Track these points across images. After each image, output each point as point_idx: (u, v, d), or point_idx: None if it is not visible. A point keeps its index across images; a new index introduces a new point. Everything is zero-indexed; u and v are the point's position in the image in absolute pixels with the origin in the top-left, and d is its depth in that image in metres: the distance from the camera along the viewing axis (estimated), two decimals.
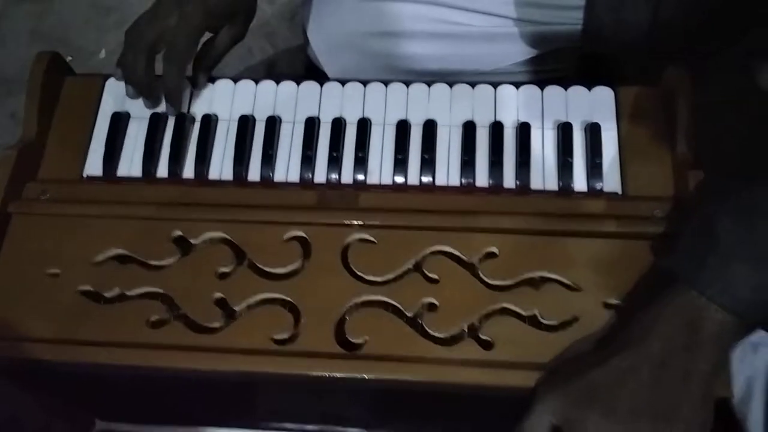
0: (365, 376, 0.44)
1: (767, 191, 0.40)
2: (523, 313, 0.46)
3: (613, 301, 0.46)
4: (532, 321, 0.46)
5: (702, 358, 0.39)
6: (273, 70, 0.59)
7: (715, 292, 0.39)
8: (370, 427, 0.57)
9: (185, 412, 0.58)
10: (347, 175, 0.52)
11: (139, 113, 0.55)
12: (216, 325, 0.46)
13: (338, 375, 0.44)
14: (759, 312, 0.40)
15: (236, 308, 0.47)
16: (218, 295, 0.47)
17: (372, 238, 0.49)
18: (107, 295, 0.48)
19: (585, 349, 0.44)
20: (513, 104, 0.54)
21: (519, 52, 0.70)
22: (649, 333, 0.40)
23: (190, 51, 0.53)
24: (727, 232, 0.40)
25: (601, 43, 0.66)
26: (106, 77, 0.56)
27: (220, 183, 0.53)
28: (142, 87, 0.54)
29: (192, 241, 0.49)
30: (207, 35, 0.56)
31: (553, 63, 0.71)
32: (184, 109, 0.55)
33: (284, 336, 0.46)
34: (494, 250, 0.48)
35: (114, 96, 0.55)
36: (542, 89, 0.55)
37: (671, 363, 0.39)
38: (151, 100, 0.54)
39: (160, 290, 0.47)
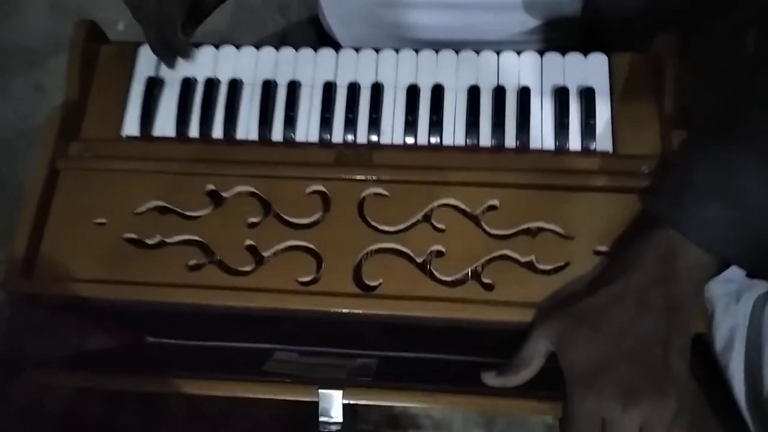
0: (379, 312, 0.50)
1: (740, 147, 0.45)
2: (521, 259, 0.51)
3: (602, 248, 0.50)
4: (529, 266, 0.51)
5: (678, 287, 0.45)
6: (285, 42, 0.63)
7: (690, 231, 0.44)
8: (382, 350, 0.63)
9: (224, 332, 0.64)
10: (362, 135, 0.57)
11: (172, 78, 0.59)
12: (247, 268, 0.52)
13: (356, 311, 0.50)
14: (730, 249, 0.45)
15: (265, 254, 0.52)
16: (248, 242, 0.52)
17: (385, 192, 0.53)
18: (149, 242, 0.53)
19: (577, 288, 0.49)
20: (514, 70, 0.58)
21: (522, 21, 0.73)
22: (633, 266, 0.46)
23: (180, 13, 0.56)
24: (703, 177, 0.45)
25: (598, 13, 0.70)
26: (139, 44, 0.61)
27: (246, 142, 0.57)
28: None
29: (223, 194, 0.54)
30: None
31: (555, 32, 0.75)
32: (212, 75, 0.59)
33: (308, 278, 0.51)
34: (495, 203, 0.52)
35: (148, 62, 0.60)
36: (542, 56, 0.58)
37: (652, 291, 0.45)
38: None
39: (197, 238, 0.53)
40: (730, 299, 0.66)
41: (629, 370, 0.44)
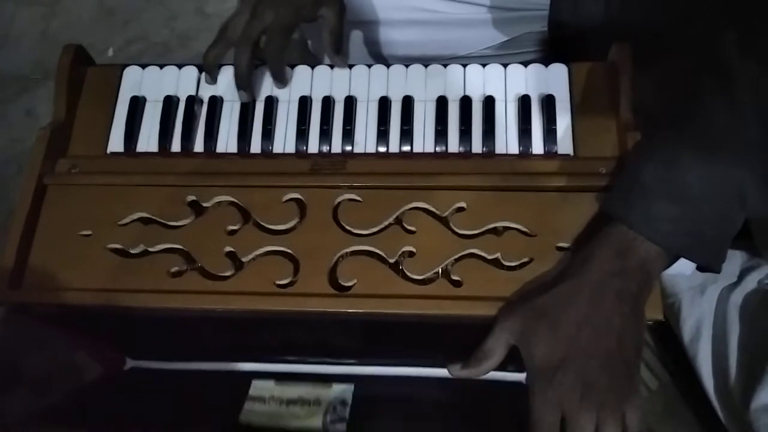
0: (353, 310, 0.52)
1: (681, 145, 0.48)
2: (488, 256, 0.53)
3: (563, 244, 0.53)
4: (496, 263, 0.53)
5: (631, 281, 0.47)
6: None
7: (640, 226, 0.47)
8: (359, 357, 0.65)
9: (205, 349, 0.66)
10: (336, 145, 0.59)
11: (154, 97, 0.62)
12: (227, 273, 0.54)
13: (331, 310, 0.52)
14: (677, 242, 0.47)
15: (244, 259, 0.54)
16: (228, 248, 0.55)
17: (359, 198, 0.56)
18: (133, 251, 0.55)
19: (539, 283, 0.52)
20: (479, 81, 0.61)
21: (492, 36, 0.77)
22: (589, 262, 0.48)
23: (285, 44, 0.60)
24: (650, 177, 0.48)
25: (563, 29, 0.74)
26: (124, 66, 0.64)
27: (226, 155, 0.60)
28: (244, 80, 0.59)
29: (204, 204, 0.57)
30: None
31: (524, 47, 0.79)
32: (193, 92, 0.62)
33: (285, 281, 0.53)
34: (463, 204, 0.55)
35: (131, 82, 0.63)
36: (505, 68, 0.62)
37: (606, 286, 0.47)
38: (248, 93, 0.60)
39: (179, 246, 0.55)
40: (695, 293, 0.69)
41: (586, 362, 0.46)
